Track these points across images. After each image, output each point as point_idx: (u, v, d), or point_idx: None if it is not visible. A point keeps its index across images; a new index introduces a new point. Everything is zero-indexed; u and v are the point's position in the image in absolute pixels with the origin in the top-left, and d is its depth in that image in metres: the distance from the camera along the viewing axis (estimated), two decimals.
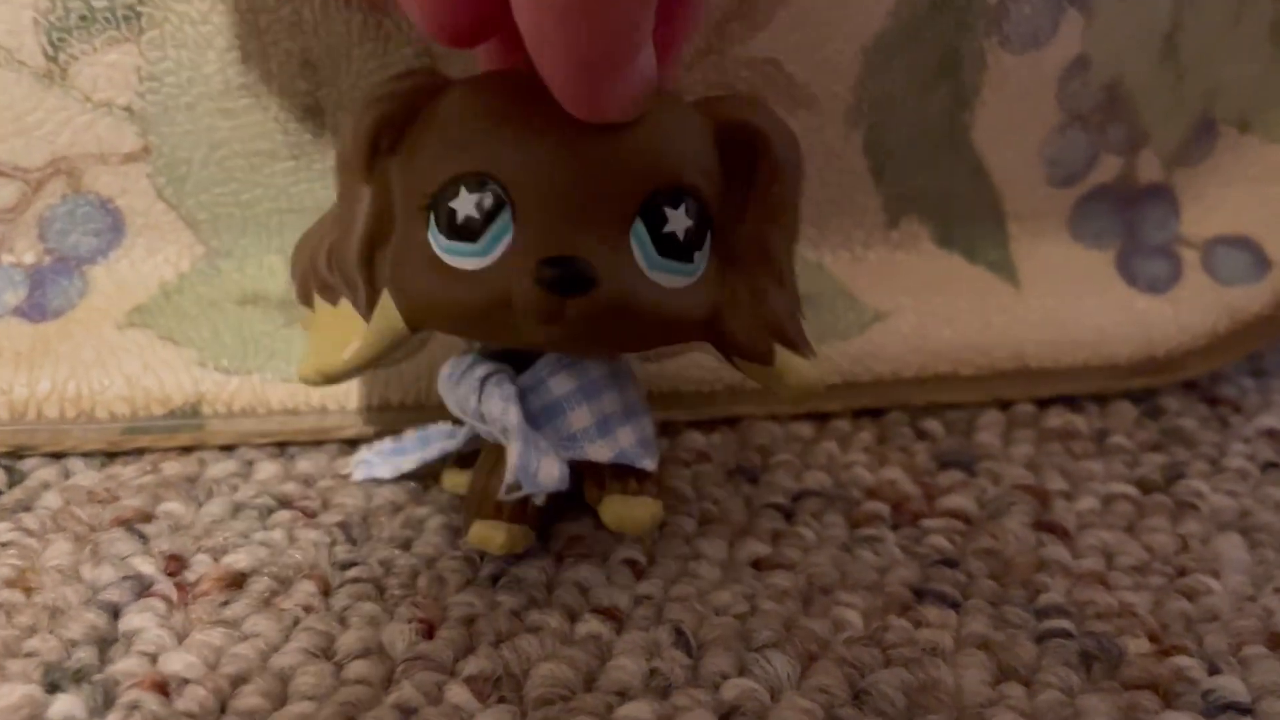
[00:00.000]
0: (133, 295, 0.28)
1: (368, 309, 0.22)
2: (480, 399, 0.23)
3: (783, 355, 0.22)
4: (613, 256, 0.20)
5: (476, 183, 0.20)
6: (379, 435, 0.29)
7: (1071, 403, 0.33)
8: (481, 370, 0.23)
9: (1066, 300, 0.33)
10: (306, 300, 0.24)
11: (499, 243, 0.20)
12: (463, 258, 0.20)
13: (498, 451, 0.23)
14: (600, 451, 0.23)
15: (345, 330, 0.22)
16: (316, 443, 0.29)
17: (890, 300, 0.32)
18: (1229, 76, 0.32)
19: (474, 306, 0.21)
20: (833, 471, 0.29)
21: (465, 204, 0.20)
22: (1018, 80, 0.30)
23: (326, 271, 0.23)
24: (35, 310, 0.28)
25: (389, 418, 0.29)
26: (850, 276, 0.32)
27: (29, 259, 0.28)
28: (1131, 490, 0.29)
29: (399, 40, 0.27)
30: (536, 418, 0.23)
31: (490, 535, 0.23)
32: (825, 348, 0.31)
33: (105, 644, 0.21)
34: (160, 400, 0.28)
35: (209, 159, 0.28)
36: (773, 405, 0.31)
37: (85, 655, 0.21)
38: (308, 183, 0.28)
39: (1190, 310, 0.34)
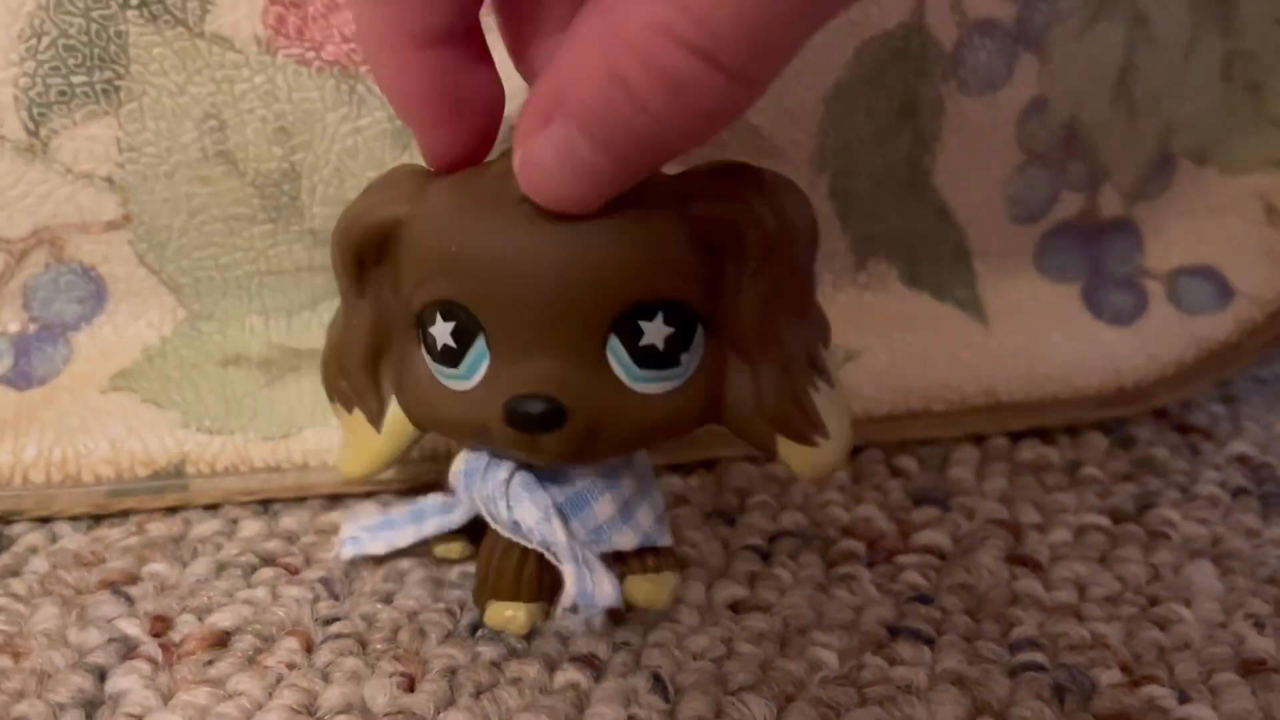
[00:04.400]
0: (116, 360, 0.29)
1: (376, 420, 0.23)
2: (509, 504, 0.22)
3: (784, 445, 0.22)
4: (586, 379, 0.20)
5: (449, 311, 0.20)
6: (365, 494, 0.29)
7: (1044, 435, 0.33)
8: (503, 471, 0.22)
9: (1034, 335, 0.33)
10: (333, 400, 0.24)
11: (478, 368, 0.20)
12: (450, 379, 0.21)
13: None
14: (626, 539, 0.23)
15: (366, 433, 0.23)
16: (299, 499, 0.29)
17: (861, 340, 0.32)
18: (1183, 112, 0.33)
19: (464, 426, 0.21)
20: (809, 511, 0.29)
21: (441, 332, 0.20)
22: (976, 123, 0.31)
23: (338, 380, 0.23)
24: (21, 378, 0.29)
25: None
26: None
27: (14, 328, 0.29)
28: (1104, 521, 0.29)
29: (371, 104, 0.28)
30: (562, 509, 0.22)
31: (511, 617, 0.23)
32: None
33: (92, 707, 0.22)
34: (145, 462, 0.28)
35: (188, 225, 0.28)
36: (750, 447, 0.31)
37: (72, 719, 0.21)
38: (285, 245, 0.29)
39: (1157, 341, 0.34)
